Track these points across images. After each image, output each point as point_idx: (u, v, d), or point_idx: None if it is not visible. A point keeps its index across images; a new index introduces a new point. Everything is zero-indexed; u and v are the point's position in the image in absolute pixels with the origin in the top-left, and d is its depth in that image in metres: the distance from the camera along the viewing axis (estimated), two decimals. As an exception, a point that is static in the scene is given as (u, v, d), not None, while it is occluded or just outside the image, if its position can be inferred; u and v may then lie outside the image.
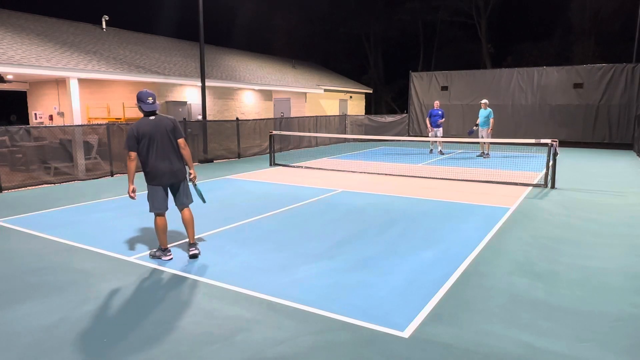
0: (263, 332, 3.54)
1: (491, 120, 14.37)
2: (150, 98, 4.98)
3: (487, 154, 15.06)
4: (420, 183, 10.21)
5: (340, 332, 3.53)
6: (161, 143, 4.97)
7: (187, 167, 5.21)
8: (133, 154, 4.95)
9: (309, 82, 23.13)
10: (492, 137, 14.59)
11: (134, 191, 5.09)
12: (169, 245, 5.48)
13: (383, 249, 5.54)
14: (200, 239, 5.94)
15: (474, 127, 14.79)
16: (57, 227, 6.58)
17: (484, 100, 14.80)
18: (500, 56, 35.30)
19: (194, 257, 5.21)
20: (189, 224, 5.25)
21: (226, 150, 15.18)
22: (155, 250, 5.31)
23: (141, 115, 5.07)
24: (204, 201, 5.51)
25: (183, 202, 5.25)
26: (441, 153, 16.12)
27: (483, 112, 14.47)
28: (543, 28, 32.66)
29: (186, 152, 5.14)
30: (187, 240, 5.48)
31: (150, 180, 5.09)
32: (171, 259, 5.21)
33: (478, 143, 15.92)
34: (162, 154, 4.99)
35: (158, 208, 5.13)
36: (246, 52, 26.34)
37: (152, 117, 4.99)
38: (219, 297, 4.17)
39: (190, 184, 5.29)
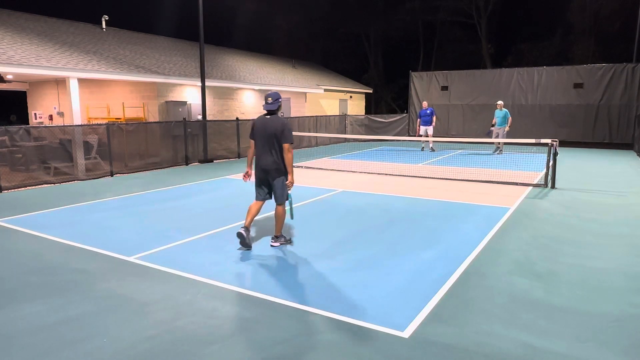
0: (263, 332, 3.54)
1: (509, 119, 15.33)
2: (270, 99, 5.42)
3: (501, 150, 15.92)
4: (420, 183, 10.21)
5: (340, 332, 3.53)
6: (265, 141, 5.38)
7: (285, 170, 5.44)
8: (251, 142, 5.58)
9: (309, 82, 23.13)
10: (508, 135, 15.59)
11: (247, 174, 5.72)
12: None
13: (383, 249, 5.54)
14: (201, 239, 5.95)
15: (491, 128, 15.63)
16: (57, 227, 6.58)
17: (499, 102, 15.71)
18: (500, 56, 35.27)
19: (275, 244, 5.67)
20: (276, 218, 5.61)
21: (226, 150, 15.18)
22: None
23: None
24: (291, 216, 5.73)
25: (276, 199, 5.56)
26: (432, 150, 17.09)
27: (499, 113, 15.38)
28: (543, 28, 32.62)
29: (287, 157, 5.36)
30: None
31: (255, 171, 5.62)
32: (239, 242, 5.55)
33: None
34: (262, 151, 5.43)
35: (256, 197, 5.66)
36: (246, 52, 26.33)
37: (267, 116, 5.44)
38: (219, 297, 4.17)
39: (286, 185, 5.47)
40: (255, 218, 6.91)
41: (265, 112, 5.48)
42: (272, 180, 5.47)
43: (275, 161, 5.39)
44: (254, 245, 5.72)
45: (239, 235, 5.48)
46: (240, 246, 5.55)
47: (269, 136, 5.35)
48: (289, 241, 5.79)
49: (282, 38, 39.02)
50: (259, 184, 5.60)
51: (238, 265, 5.02)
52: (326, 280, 4.54)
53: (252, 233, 6.00)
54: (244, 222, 5.64)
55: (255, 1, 37.19)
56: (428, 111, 16.64)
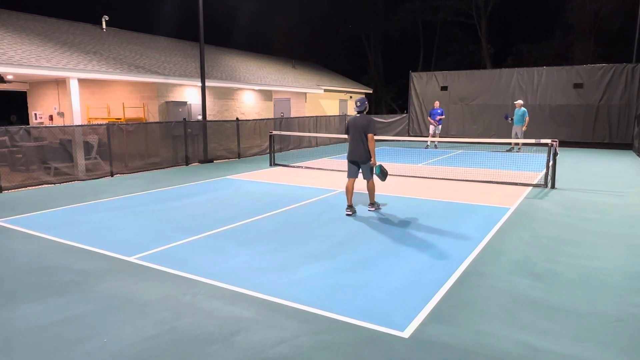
0: (263, 332, 3.54)
1: (526, 119, 15.86)
2: (358, 102, 7.22)
3: (519, 148, 16.67)
4: (420, 183, 10.21)
5: (340, 332, 3.53)
6: (355, 133, 7.13)
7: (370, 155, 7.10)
8: (347, 136, 7.32)
9: (309, 82, 23.13)
10: (525, 135, 16.17)
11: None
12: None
13: (383, 249, 5.54)
14: (201, 239, 5.96)
15: (509, 119, 16.38)
16: (57, 227, 6.58)
17: (519, 101, 16.41)
18: (500, 56, 35.24)
19: (372, 209, 7.46)
20: (369, 191, 7.43)
21: (226, 151, 15.17)
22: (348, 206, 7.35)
23: None
24: (381, 179, 7.43)
25: (365, 177, 7.29)
26: (435, 147, 18.07)
27: (518, 111, 15.99)
28: (543, 28, 32.61)
29: (370, 144, 7.04)
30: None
31: (347, 156, 7.35)
32: (348, 214, 7.22)
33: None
34: (353, 142, 7.19)
35: (348, 175, 7.37)
36: (246, 52, 26.32)
37: (357, 115, 7.21)
38: (219, 297, 4.17)
39: (372, 167, 7.21)
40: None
41: (356, 112, 7.24)
42: (360, 164, 7.23)
43: (362, 149, 7.10)
44: (252, 246, 5.73)
45: (349, 215, 7.20)
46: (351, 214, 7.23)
47: (358, 130, 7.07)
48: (379, 207, 7.56)
49: (282, 38, 39.01)
50: (351, 165, 7.31)
51: (238, 265, 5.02)
52: (326, 280, 4.54)
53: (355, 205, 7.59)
54: (347, 202, 7.34)
55: (255, 1, 37.21)
56: (439, 111, 17.49)
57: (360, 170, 7.31)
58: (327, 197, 8.69)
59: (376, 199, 7.91)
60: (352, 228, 6.48)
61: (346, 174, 7.42)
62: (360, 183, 7.80)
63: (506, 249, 5.54)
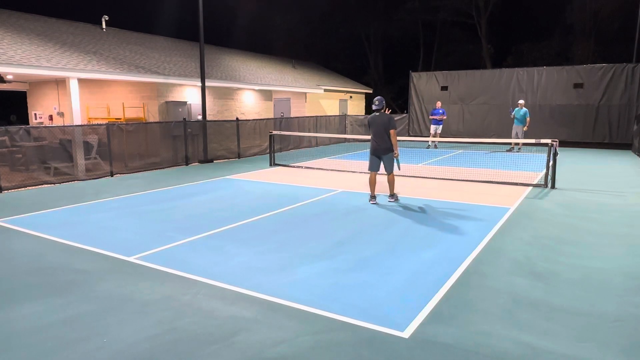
0: (263, 332, 3.54)
1: (527, 119, 15.94)
2: (377, 101, 7.88)
3: (519, 148, 16.77)
4: (420, 183, 10.21)
5: (340, 332, 3.53)
6: (377, 130, 7.83)
7: (393, 148, 7.86)
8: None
9: (309, 82, 23.12)
10: (525, 134, 16.16)
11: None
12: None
13: (383, 249, 5.54)
14: (201, 239, 5.96)
15: (512, 115, 16.39)
16: (57, 227, 6.58)
17: (521, 101, 16.50)
18: (500, 56, 35.23)
19: (392, 200, 8.12)
20: (389, 183, 8.14)
21: (226, 150, 15.17)
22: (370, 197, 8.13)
23: None
24: (398, 168, 8.25)
25: (387, 170, 8.04)
26: (435, 147, 18.16)
27: (519, 111, 16.08)
28: (543, 28, 32.62)
29: (393, 139, 7.81)
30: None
31: (370, 150, 8.05)
32: (374, 203, 7.92)
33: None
34: (375, 137, 7.89)
35: (370, 168, 8.14)
36: (246, 52, 26.32)
37: (376, 113, 7.86)
38: (219, 297, 4.17)
39: (394, 158, 7.97)
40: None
41: (375, 111, 7.86)
42: (382, 157, 7.92)
43: (384, 143, 7.79)
44: (252, 246, 5.73)
45: (374, 203, 7.88)
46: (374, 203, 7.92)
47: (379, 126, 7.76)
48: (397, 199, 8.22)
49: (282, 38, 38.99)
50: (373, 158, 8.00)
51: (238, 265, 5.02)
52: (326, 280, 4.54)
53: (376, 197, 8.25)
54: (370, 193, 8.16)
55: (255, 1, 37.20)
56: (440, 111, 17.59)
57: (383, 164, 7.96)
58: (327, 197, 8.69)
59: (377, 198, 7.94)
60: (352, 228, 6.48)
61: (367, 167, 8.24)
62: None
63: (506, 249, 5.54)
